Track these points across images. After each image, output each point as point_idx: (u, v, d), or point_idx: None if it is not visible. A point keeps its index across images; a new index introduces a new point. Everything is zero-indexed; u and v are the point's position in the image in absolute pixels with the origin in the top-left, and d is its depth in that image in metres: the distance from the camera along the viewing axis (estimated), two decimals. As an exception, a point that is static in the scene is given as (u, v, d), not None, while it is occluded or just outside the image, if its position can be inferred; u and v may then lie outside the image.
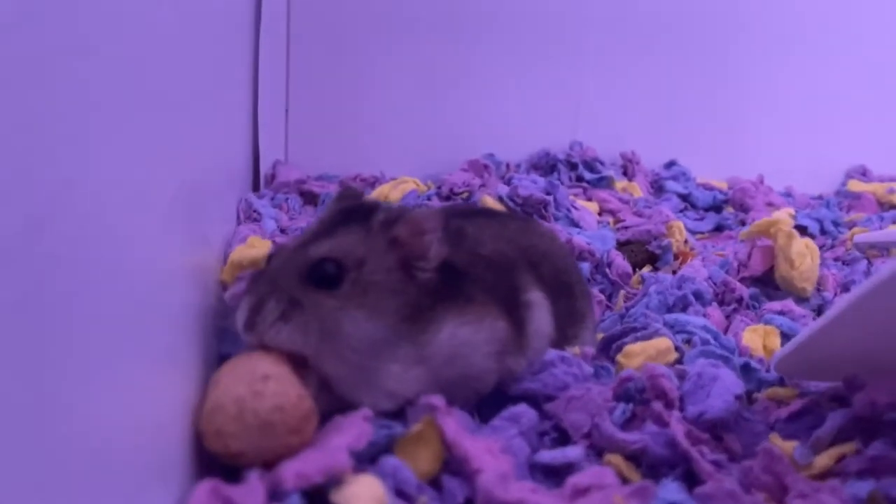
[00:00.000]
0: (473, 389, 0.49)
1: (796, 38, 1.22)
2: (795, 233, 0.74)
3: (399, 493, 0.39)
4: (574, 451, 0.43)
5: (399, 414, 0.45)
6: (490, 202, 0.87)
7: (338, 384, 0.45)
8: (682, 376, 0.52)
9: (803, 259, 0.73)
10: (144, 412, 0.36)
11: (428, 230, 0.46)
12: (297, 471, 0.37)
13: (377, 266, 0.45)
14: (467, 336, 0.47)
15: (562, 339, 0.55)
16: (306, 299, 0.44)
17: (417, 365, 0.45)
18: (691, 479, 0.44)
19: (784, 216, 0.76)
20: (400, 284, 0.46)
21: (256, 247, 0.57)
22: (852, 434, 0.47)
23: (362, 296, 0.45)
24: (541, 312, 0.53)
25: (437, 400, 0.42)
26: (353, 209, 0.50)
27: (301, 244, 0.47)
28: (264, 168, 0.98)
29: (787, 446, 0.47)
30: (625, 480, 0.43)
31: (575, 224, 0.89)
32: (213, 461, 0.41)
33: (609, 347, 0.59)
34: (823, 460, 0.46)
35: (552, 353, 0.51)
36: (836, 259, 0.89)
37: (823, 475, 0.45)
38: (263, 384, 0.41)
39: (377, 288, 0.45)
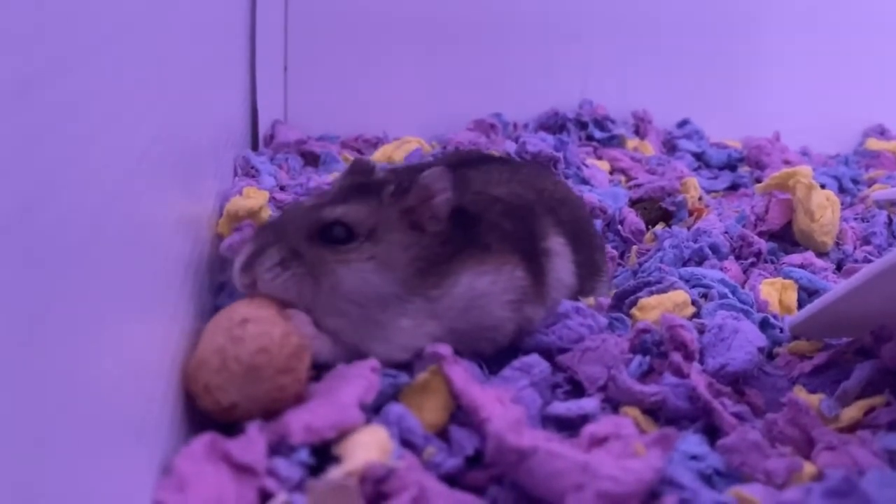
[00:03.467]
0: (491, 339, 0.48)
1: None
2: (816, 184, 0.72)
3: (405, 443, 0.37)
4: (590, 403, 0.41)
5: (405, 363, 0.43)
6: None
7: (343, 336, 0.44)
8: (700, 330, 0.50)
9: (824, 211, 0.71)
10: (134, 363, 0.34)
11: (437, 192, 0.46)
12: (305, 423, 0.35)
13: (388, 231, 0.45)
14: (484, 287, 0.46)
15: (581, 290, 0.53)
16: (309, 253, 0.44)
17: (430, 320, 0.45)
18: (711, 434, 0.42)
19: (804, 168, 0.73)
20: (413, 241, 0.45)
21: (252, 197, 0.55)
22: (881, 386, 0.45)
23: (371, 252, 0.44)
24: (562, 261, 0.52)
25: (444, 349, 0.40)
26: (368, 183, 0.50)
27: (315, 205, 0.47)
28: (263, 128, 0.96)
29: (812, 399, 0.45)
30: (643, 434, 0.41)
31: (585, 182, 0.86)
32: (207, 414, 0.39)
33: (622, 303, 0.57)
34: (851, 413, 0.44)
35: (566, 304, 0.48)
36: (856, 216, 0.86)
37: (852, 428, 0.43)
38: (242, 328, 0.39)
39: (388, 246, 0.44)
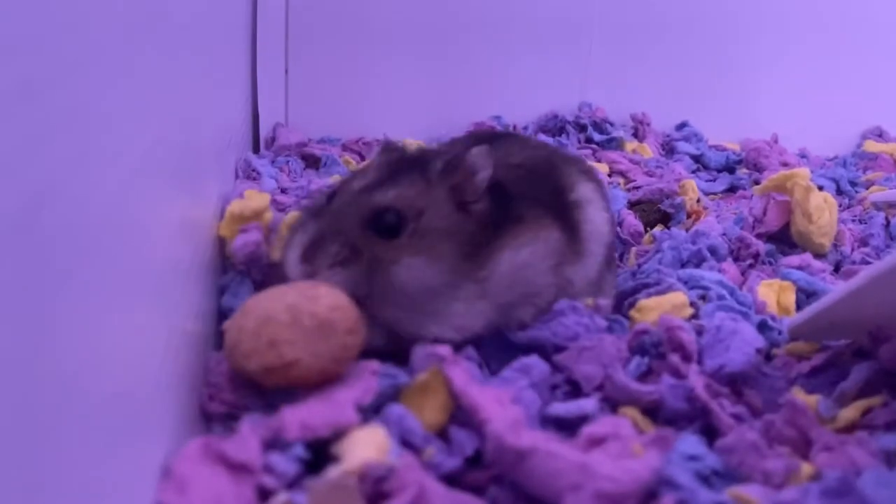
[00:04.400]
0: (534, 306, 0.49)
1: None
2: (813, 186, 0.72)
3: (405, 443, 0.37)
4: (589, 403, 0.41)
5: (404, 362, 0.43)
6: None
7: (399, 326, 0.45)
8: (699, 331, 0.50)
9: (821, 213, 0.71)
10: (136, 364, 0.34)
11: (480, 169, 0.48)
12: (301, 420, 0.35)
13: (437, 214, 0.46)
14: (525, 258, 0.48)
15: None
16: (366, 248, 0.45)
17: (480, 300, 0.46)
18: (709, 435, 0.42)
19: (801, 170, 0.73)
20: (458, 225, 0.47)
21: (254, 199, 0.55)
22: (878, 387, 0.46)
23: (420, 243, 0.45)
24: (594, 209, 0.54)
25: (444, 349, 0.40)
26: (411, 158, 0.51)
27: (364, 189, 0.47)
28: (264, 131, 0.96)
29: (810, 400, 0.45)
30: (641, 434, 0.41)
31: (584, 184, 0.86)
32: (207, 414, 0.39)
33: (621, 304, 0.57)
34: (849, 413, 0.44)
35: (562, 303, 0.49)
36: (853, 218, 0.86)
37: (849, 429, 0.43)
38: (315, 290, 0.40)
39: (436, 234, 0.46)
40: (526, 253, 0.48)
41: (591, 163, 0.96)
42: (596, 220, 0.54)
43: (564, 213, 0.52)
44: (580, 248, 0.52)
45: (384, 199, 0.46)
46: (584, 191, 0.54)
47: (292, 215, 0.56)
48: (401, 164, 0.50)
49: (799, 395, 0.46)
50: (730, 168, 1.06)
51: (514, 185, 0.50)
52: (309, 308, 0.39)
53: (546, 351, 0.47)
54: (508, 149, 0.55)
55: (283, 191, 0.74)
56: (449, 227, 0.46)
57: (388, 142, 0.55)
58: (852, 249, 0.75)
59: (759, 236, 0.73)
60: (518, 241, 0.48)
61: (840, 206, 0.87)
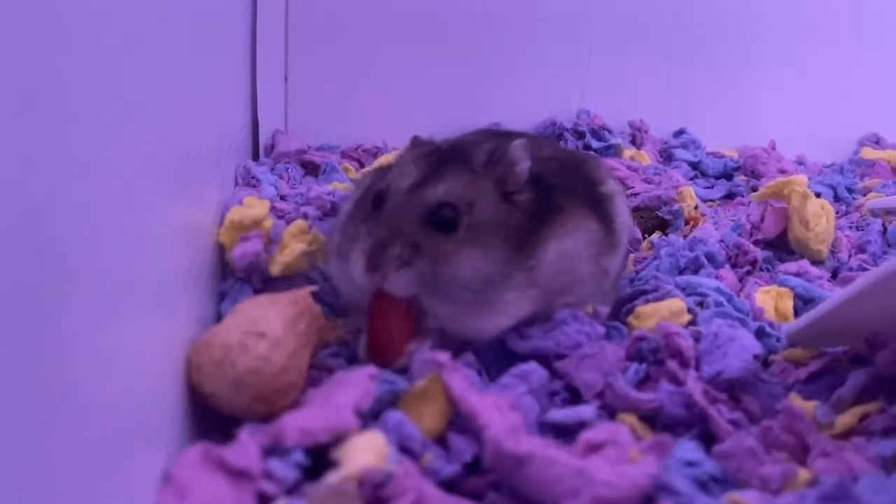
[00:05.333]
0: (576, 294, 0.50)
1: (808, 4, 1.19)
2: (811, 193, 0.72)
3: (403, 449, 0.37)
4: (587, 410, 0.41)
5: (403, 369, 0.43)
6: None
7: (452, 322, 0.46)
8: (697, 338, 0.50)
9: (819, 220, 0.71)
10: (136, 370, 0.34)
11: (521, 160, 0.49)
12: (300, 426, 0.35)
13: (486, 205, 0.47)
14: (569, 247, 0.49)
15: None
16: (427, 244, 0.45)
17: (530, 288, 0.47)
18: (707, 441, 0.43)
19: (799, 177, 0.74)
20: (505, 216, 0.48)
21: (254, 207, 0.55)
22: (875, 393, 0.46)
23: (475, 236, 0.46)
24: (621, 200, 0.56)
25: (443, 356, 0.40)
26: (447, 151, 0.52)
27: (413, 186, 0.47)
28: (264, 138, 0.96)
29: (807, 406, 0.46)
30: (638, 440, 0.41)
31: (582, 191, 0.87)
32: (207, 420, 0.39)
33: (619, 311, 0.57)
34: (846, 419, 0.44)
35: (564, 312, 0.49)
36: (851, 225, 0.87)
37: (846, 435, 0.44)
38: (255, 340, 0.39)
39: (488, 225, 0.47)
40: (570, 242, 0.49)
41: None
42: (624, 213, 0.56)
43: (598, 206, 0.53)
44: (614, 240, 0.54)
45: (437, 195, 0.47)
46: (611, 185, 0.56)
47: (296, 225, 0.56)
48: (439, 157, 0.50)
49: (796, 401, 0.46)
50: (727, 175, 1.06)
51: (550, 177, 0.51)
52: (234, 357, 0.39)
53: (547, 358, 0.47)
54: (534, 142, 0.55)
55: (283, 198, 0.74)
56: (497, 217, 0.47)
57: (416, 138, 0.55)
58: (849, 256, 0.75)
59: (756, 243, 0.73)
60: (563, 231, 0.49)
61: (837, 212, 0.87)
